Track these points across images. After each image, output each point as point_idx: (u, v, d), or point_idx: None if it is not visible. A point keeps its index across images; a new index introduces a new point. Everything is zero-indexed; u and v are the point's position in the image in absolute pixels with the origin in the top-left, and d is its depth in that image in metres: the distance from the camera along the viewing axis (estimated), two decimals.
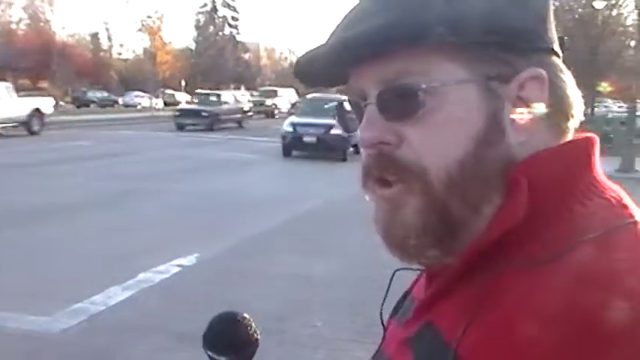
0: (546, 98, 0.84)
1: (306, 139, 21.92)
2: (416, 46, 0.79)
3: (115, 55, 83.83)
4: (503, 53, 0.82)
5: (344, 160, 20.53)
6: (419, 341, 0.85)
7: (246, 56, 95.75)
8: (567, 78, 0.88)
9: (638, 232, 0.78)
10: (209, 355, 0.98)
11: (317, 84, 0.97)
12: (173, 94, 70.18)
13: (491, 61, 0.82)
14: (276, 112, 51.72)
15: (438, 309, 0.84)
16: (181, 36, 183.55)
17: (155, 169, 17.24)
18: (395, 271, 1.02)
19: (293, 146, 22.25)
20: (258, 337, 0.98)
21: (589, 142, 0.86)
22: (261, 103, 51.90)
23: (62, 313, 6.27)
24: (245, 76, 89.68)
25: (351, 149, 20.65)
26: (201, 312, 6.14)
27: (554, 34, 0.88)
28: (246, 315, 1.00)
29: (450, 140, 0.81)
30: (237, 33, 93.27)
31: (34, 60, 48.89)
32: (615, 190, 0.84)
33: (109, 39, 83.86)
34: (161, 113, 48.71)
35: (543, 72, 0.84)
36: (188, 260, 8.27)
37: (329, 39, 0.87)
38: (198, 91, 45.27)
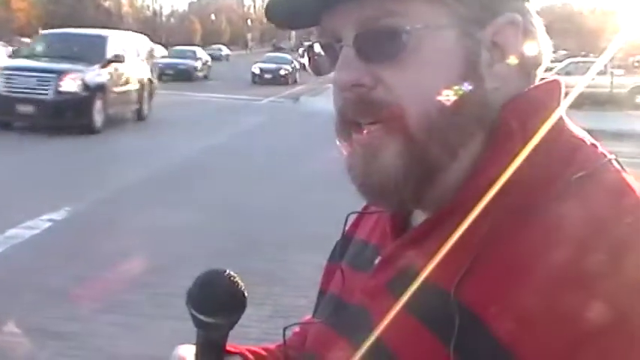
0: (520, 44, 0.83)
1: None
2: None
3: None
4: None
5: None
6: (400, 285, 0.81)
7: (107, 4, 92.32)
8: (538, 23, 0.87)
9: (616, 168, 0.81)
10: (193, 315, 0.89)
11: (290, 26, 0.94)
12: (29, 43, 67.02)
13: (470, 5, 0.81)
14: None
15: (417, 254, 0.83)
16: None
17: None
18: (348, 215, 1.01)
19: None
20: (246, 298, 0.90)
21: (557, 85, 0.87)
22: None
23: None
24: (106, 25, 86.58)
25: None
26: (75, 267, 6.16)
27: None
28: (233, 273, 0.91)
29: (429, 84, 0.80)
30: None
31: None
32: (581, 130, 0.85)
33: None
34: None
35: (519, 17, 0.83)
36: (59, 214, 8.06)
37: None
38: None
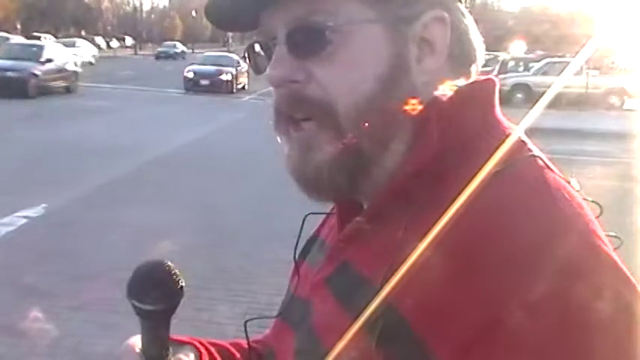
0: (448, 40, 0.87)
1: None
2: None
3: None
4: None
5: None
6: (336, 280, 0.88)
7: None
8: (469, 22, 0.90)
9: (537, 163, 0.83)
10: (134, 305, 0.93)
11: (230, 28, 0.99)
12: (8, 38, 66.34)
13: (397, 2, 0.85)
14: None
15: (353, 249, 0.88)
16: None
17: None
18: (306, 216, 1.06)
19: None
20: (183, 285, 0.95)
21: (490, 83, 0.91)
22: None
23: None
24: (86, 19, 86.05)
25: None
26: (52, 264, 6.12)
27: None
28: (170, 263, 0.95)
29: (357, 78, 0.84)
30: None
31: None
32: (513, 128, 0.87)
33: None
34: None
35: (445, 14, 0.86)
36: (35, 211, 8.02)
37: None
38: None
